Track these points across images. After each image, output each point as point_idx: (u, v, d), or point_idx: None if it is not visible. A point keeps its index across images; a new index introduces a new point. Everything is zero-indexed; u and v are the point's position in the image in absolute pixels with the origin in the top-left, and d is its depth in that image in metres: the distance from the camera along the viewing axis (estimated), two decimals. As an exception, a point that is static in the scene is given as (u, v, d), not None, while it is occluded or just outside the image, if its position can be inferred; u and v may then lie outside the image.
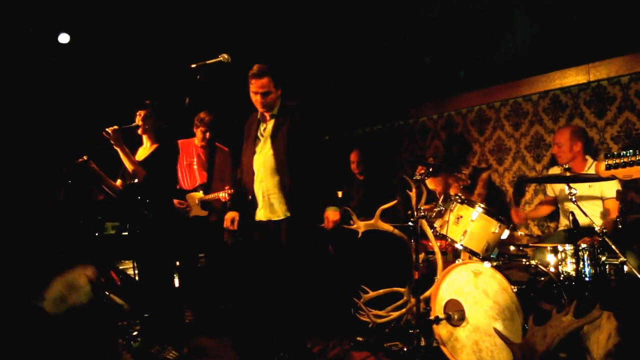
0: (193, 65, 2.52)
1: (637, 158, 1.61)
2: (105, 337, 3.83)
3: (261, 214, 3.27)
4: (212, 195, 4.14)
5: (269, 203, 3.24)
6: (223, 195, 4.04)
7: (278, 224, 3.23)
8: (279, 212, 3.22)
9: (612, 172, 1.65)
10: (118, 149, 3.44)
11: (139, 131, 3.61)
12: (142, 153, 3.65)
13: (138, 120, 3.58)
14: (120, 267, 5.01)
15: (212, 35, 5.62)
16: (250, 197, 3.32)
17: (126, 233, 4.73)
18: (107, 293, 3.98)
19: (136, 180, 3.49)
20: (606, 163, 1.66)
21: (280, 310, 3.26)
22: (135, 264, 4.07)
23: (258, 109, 3.25)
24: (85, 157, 3.49)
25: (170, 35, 5.83)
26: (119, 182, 3.68)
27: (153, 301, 3.69)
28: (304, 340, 3.35)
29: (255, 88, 3.15)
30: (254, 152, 3.30)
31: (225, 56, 2.62)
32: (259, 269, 3.34)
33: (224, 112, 4.45)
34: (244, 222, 3.35)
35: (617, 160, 1.64)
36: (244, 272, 3.45)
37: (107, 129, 3.40)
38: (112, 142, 3.42)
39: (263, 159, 3.24)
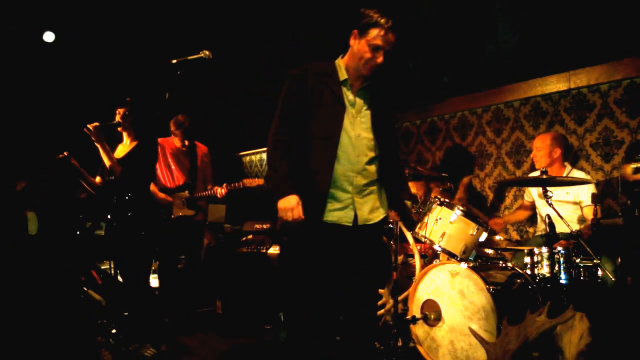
0: (174, 61, 2.52)
1: None
2: (83, 334, 3.80)
3: (344, 215, 2.39)
4: (205, 193, 4.15)
5: (363, 202, 2.43)
6: (220, 191, 4.06)
7: (370, 228, 2.46)
8: (374, 213, 2.47)
9: (639, 176, 1.66)
10: (98, 146, 3.42)
11: (119, 129, 3.60)
12: (122, 150, 3.64)
13: (118, 118, 3.57)
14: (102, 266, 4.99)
15: (193, 32, 5.64)
16: (318, 186, 2.35)
17: (101, 232, 4.70)
18: (85, 289, 3.94)
19: (113, 178, 3.46)
20: (633, 167, 1.67)
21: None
22: (113, 263, 4.05)
23: (359, 71, 2.40)
24: (65, 153, 3.47)
25: (152, 31, 5.83)
26: (98, 179, 3.66)
27: (132, 300, 3.66)
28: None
29: (384, 42, 2.32)
30: (339, 124, 2.36)
31: (207, 52, 2.62)
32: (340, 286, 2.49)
33: (202, 108, 4.45)
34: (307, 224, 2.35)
35: None
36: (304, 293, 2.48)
37: (88, 126, 3.38)
38: (92, 138, 3.40)
39: (356, 139, 2.39)
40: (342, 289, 2.48)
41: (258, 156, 7.64)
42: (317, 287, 2.43)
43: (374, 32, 2.31)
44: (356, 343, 2.49)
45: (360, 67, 2.38)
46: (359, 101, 2.45)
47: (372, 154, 2.42)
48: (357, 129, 2.39)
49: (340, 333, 2.54)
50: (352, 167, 2.37)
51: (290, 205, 2.28)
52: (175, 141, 4.29)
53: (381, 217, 2.50)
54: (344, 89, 2.42)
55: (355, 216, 2.39)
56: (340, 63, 2.47)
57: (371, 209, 2.44)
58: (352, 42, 2.41)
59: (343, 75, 2.43)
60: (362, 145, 2.39)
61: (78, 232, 4.89)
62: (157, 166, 4.21)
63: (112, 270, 4.41)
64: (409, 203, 2.71)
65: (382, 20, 2.30)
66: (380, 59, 2.35)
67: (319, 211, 2.34)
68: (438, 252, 3.33)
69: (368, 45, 2.33)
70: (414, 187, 4.21)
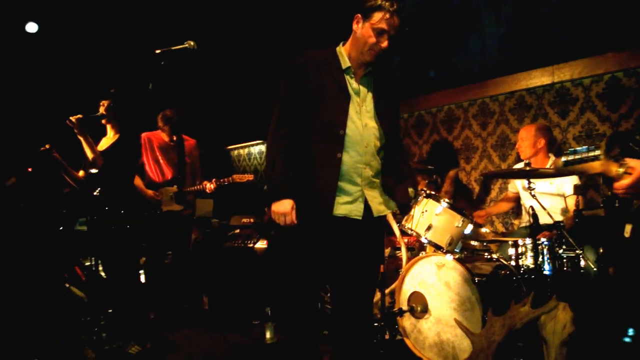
0: (157, 51, 2.48)
1: (591, 155, 1.67)
2: (66, 332, 3.76)
3: (354, 208, 2.29)
4: (194, 187, 4.13)
5: (372, 195, 2.34)
6: (210, 186, 4.04)
7: (377, 221, 2.38)
8: (385, 204, 2.39)
9: (569, 168, 1.70)
10: (81, 138, 3.38)
11: (103, 121, 3.56)
12: (105, 143, 3.60)
13: (102, 110, 3.53)
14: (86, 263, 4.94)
15: (178, 22, 5.60)
16: (325, 180, 2.25)
17: (84, 227, 4.66)
18: (67, 285, 3.90)
19: (94, 170, 3.42)
20: (563, 159, 1.71)
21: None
22: (96, 259, 4.01)
23: (364, 57, 2.30)
24: (47, 146, 3.43)
25: (136, 21, 5.78)
26: (81, 172, 3.62)
27: (117, 296, 3.63)
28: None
29: (388, 26, 2.21)
30: (345, 115, 2.26)
31: (192, 43, 2.59)
32: (347, 278, 2.38)
33: (189, 101, 4.44)
34: (310, 219, 2.27)
35: (574, 157, 1.69)
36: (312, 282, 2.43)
37: (70, 118, 3.34)
38: (75, 131, 3.36)
39: (363, 128, 2.29)
40: (344, 283, 2.39)
41: (246, 150, 7.61)
42: (320, 282, 2.39)
43: (378, 16, 2.21)
44: (357, 339, 2.41)
45: (364, 53, 2.28)
46: (363, 89, 2.35)
47: (379, 144, 2.33)
48: (364, 118, 2.30)
49: (337, 328, 2.45)
50: (361, 159, 2.27)
51: (283, 210, 2.21)
52: (163, 135, 4.26)
53: (392, 209, 2.43)
54: (347, 78, 2.32)
55: (366, 209, 2.30)
56: (342, 50, 2.38)
57: (381, 201, 2.37)
58: (355, 27, 2.31)
59: (346, 63, 2.33)
60: (370, 134, 2.29)
61: (61, 228, 4.83)
62: (145, 160, 4.19)
63: (95, 266, 4.36)
64: (411, 191, 2.59)
65: (387, 4, 2.20)
66: (385, 44, 2.24)
67: (328, 206, 2.23)
68: (424, 245, 3.34)
69: (372, 29, 2.23)
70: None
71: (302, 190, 2.25)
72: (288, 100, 2.31)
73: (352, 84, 2.32)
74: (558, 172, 1.78)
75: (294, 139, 2.28)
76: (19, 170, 4.26)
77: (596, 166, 1.70)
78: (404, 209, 2.59)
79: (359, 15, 2.27)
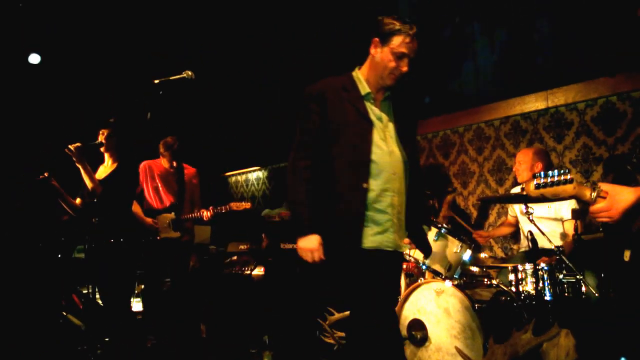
0: (156, 81, 2.51)
1: (562, 178, 1.68)
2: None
3: (385, 239, 2.18)
4: (192, 215, 4.14)
5: (398, 224, 2.24)
6: (207, 214, 4.06)
7: (398, 255, 2.33)
8: (404, 236, 2.31)
9: (541, 191, 1.71)
10: (80, 166, 3.38)
11: (102, 149, 3.58)
12: (103, 171, 3.60)
13: (101, 138, 3.55)
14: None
15: (177, 52, 5.69)
16: (351, 211, 2.14)
17: (82, 255, 4.65)
18: (65, 313, 3.86)
19: (94, 200, 3.42)
20: (535, 183, 1.72)
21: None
22: (93, 286, 3.98)
23: (384, 81, 2.25)
24: (46, 174, 3.43)
25: (135, 52, 5.88)
26: (78, 200, 3.61)
27: (114, 325, 3.59)
28: None
29: (409, 49, 2.19)
30: (368, 143, 2.17)
31: (189, 73, 2.62)
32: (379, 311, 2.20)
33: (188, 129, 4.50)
34: (339, 253, 2.17)
35: (545, 180, 1.70)
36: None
37: (69, 146, 3.35)
38: (74, 159, 3.37)
39: (390, 155, 2.21)
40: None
41: (244, 176, 7.62)
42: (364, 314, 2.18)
43: (398, 40, 2.17)
44: None
45: (384, 77, 2.24)
46: (384, 114, 2.28)
47: (404, 170, 2.26)
48: (389, 145, 2.22)
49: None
50: (390, 186, 2.18)
51: (311, 247, 2.10)
52: (164, 162, 4.31)
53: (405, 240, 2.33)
54: (368, 104, 2.25)
55: (395, 240, 2.20)
56: (359, 75, 2.31)
57: (404, 233, 2.28)
58: (372, 51, 2.25)
59: (365, 89, 2.27)
60: (396, 161, 2.22)
61: (59, 255, 4.81)
62: (145, 187, 4.23)
63: (92, 294, 4.33)
64: (425, 227, 2.48)
65: (407, 27, 2.18)
66: (405, 68, 2.21)
67: (356, 238, 2.13)
68: (423, 271, 3.33)
69: (392, 53, 2.19)
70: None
71: (328, 222, 2.15)
72: (308, 131, 2.22)
73: (373, 110, 2.25)
74: (531, 197, 1.77)
75: (316, 171, 2.18)
76: (20, 198, 4.28)
77: (569, 190, 1.71)
78: (425, 249, 2.47)
79: (377, 39, 2.22)
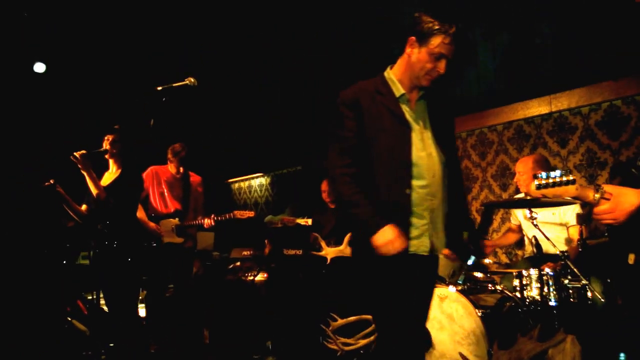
0: (159, 88, 2.52)
1: (564, 179, 1.68)
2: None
3: (421, 244, 2.14)
4: (195, 222, 4.18)
5: (435, 228, 2.18)
6: (208, 222, 4.11)
7: (437, 258, 2.27)
8: (443, 241, 2.22)
9: (542, 191, 1.71)
10: (85, 173, 3.40)
11: (107, 156, 3.59)
12: (108, 178, 3.62)
13: (106, 145, 3.56)
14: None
15: (179, 59, 5.74)
16: (395, 218, 2.08)
17: (86, 261, 4.67)
18: (69, 319, 3.87)
19: (99, 206, 3.44)
20: (536, 183, 1.72)
21: None
22: (97, 292, 3.99)
23: (420, 82, 2.18)
24: (52, 181, 3.45)
25: (138, 59, 5.93)
26: (84, 207, 3.63)
27: (118, 330, 3.59)
28: None
29: (447, 51, 2.11)
30: (408, 147, 2.12)
31: (192, 79, 2.63)
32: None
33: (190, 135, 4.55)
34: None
35: (547, 181, 1.70)
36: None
37: (74, 153, 3.37)
38: (79, 166, 3.38)
39: (428, 157, 2.16)
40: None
41: (247, 183, 7.63)
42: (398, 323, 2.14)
43: (437, 40, 2.08)
44: None
45: (420, 78, 2.16)
46: (421, 116, 2.21)
47: (444, 172, 2.19)
48: (427, 147, 2.16)
49: None
50: (429, 190, 2.12)
51: (390, 238, 2.00)
52: (171, 168, 4.39)
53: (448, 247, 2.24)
54: (403, 106, 2.18)
55: (431, 244, 2.14)
56: (392, 76, 2.23)
57: (443, 237, 2.20)
58: (408, 50, 2.16)
59: (399, 90, 2.19)
60: (435, 163, 2.15)
61: (64, 261, 4.83)
62: (150, 192, 4.29)
63: (97, 300, 4.33)
64: (465, 234, 2.35)
65: (447, 26, 2.07)
66: (442, 69, 2.13)
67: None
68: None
69: (430, 54, 2.10)
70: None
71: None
72: (345, 138, 2.15)
73: (408, 111, 2.19)
74: (533, 198, 1.76)
75: (356, 177, 2.12)
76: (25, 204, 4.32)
77: (571, 190, 1.70)
78: (463, 254, 2.44)
79: (413, 38, 2.13)
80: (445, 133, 2.25)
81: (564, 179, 1.69)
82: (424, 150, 2.14)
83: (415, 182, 2.10)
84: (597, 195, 1.66)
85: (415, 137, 2.14)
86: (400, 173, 2.09)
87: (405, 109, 2.18)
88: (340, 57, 5.53)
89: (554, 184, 1.71)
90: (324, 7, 5.63)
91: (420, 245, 2.11)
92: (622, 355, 2.40)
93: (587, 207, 3.67)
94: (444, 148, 2.20)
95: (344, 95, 2.20)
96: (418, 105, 2.23)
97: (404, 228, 2.06)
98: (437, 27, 2.07)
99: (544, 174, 1.70)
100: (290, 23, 6.02)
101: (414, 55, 2.14)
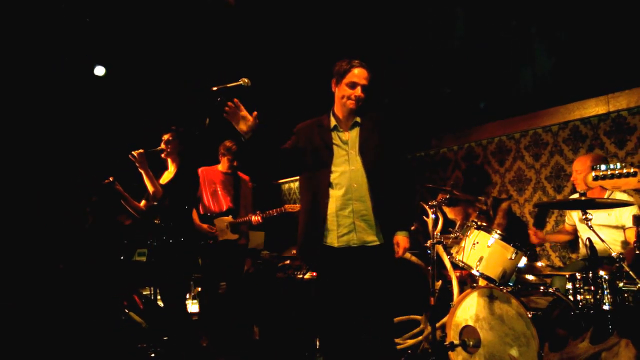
0: (214, 88, 2.63)
1: (624, 171, 1.64)
2: (123, 357, 3.90)
3: (346, 239, 2.68)
4: (244, 219, 4.31)
5: (360, 226, 2.69)
6: (255, 218, 4.23)
7: (371, 250, 2.70)
8: (373, 236, 2.70)
9: (600, 182, 1.69)
10: (142, 172, 3.57)
11: (163, 155, 3.75)
12: (167, 176, 3.79)
13: (162, 144, 3.73)
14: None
15: (234, 59, 5.90)
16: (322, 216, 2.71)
17: (143, 258, 4.88)
18: (127, 311, 4.05)
19: (156, 203, 3.61)
20: (594, 174, 1.70)
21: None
22: (154, 288, 4.16)
23: (347, 107, 2.75)
24: (111, 179, 3.64)
25: (195, 61, 6.15)
26: (142, 202, 3.81)
27: (172, 324, 3.74)
28: None
29: (359, 78, 2.70)
30: (328, 167, 2.74)
31: (246, 80, 2.72)
32: (344, 301, 2.74)
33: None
34: (316, 249, 2.72)
35: (605, 172, 1.67)
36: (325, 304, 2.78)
37: (133, 152, 3.55)
38: (137, 164, 3.56)
39: (351, 174, 2.71)
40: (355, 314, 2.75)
41: (296, 183, 7.74)
42: (335, 311, 2.78)
43: (347, 74, 2.72)
44: None
45: (345, 104, 2.75)
46: (352, 138, 2.79)
47: (371, 181, 2.71)
48: (352, 163, 2.73)
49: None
50: (352, 196, 2.69)
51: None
52: (222, 166, 4.49)
53: (379, 242, 2.71)
54: (334, 134, 2.80)
55: (360, 238, 2.69)
56: (332, 112, 2.87)
57: (372, 232, 2.70)
58: (333, 88, 2.83)
59: (332, 122, 2.83)
60: (359, 176, 2.71)
61: (122, 257, 5.06)
62: (203, 191, 4.41)
63: (154, 295, 4.53)
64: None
65: (354, 62, 2.73)
66: (359, 92, 2.72)
67: (318, 236, 2.70)
68: (476, 277, 3.28)
69: (346, 85, 2.73)
70: (452, 213, 4.19)
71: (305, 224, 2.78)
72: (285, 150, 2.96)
73: (338, 138, 2.80)
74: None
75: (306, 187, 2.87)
76: (86, 201, 4.56)
77: (632, 182, 1.67)
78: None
79: (334, 79, 2.81)
80: (375, 148, 2.76)
81: (625, 171, 1.67)
82: (348, 166, 2.72)
83: (335, 192, 2.71)
84: None
85: (341, 157, 2.75)
86: (323, 185, 2.72)
87: (335, 136, 2.80)
88: (389, 71, 5.54)
89: (613, 176, 1.69)
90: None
91: (350, 239, 2.69)
92: None
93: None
94: (371, 163, 2.73)
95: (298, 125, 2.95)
96: (353, 131, 2.80)
97: (332, 227, 2.69)
98: (345, 67, 2.74)
99: (603, 166, 1.69)
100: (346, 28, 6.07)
101: (337, 91, 2.81)
